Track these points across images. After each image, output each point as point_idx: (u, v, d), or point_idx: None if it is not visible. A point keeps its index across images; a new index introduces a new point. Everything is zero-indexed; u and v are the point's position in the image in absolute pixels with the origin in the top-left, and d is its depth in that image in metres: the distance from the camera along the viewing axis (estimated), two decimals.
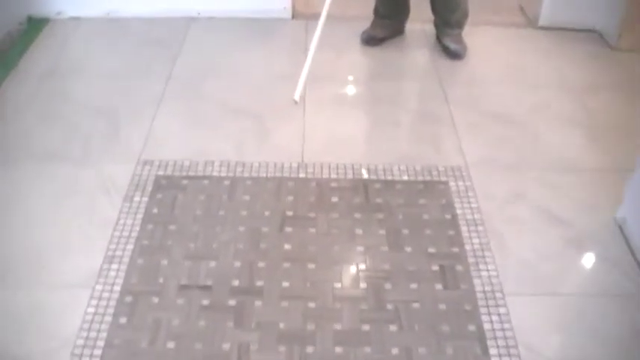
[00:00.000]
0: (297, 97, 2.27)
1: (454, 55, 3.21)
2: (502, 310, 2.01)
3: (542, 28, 3.49)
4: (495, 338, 1.93)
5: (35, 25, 3.39)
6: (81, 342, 1.88)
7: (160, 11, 3.47)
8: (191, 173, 2.47)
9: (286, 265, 2.12)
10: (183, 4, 3.47)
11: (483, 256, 2.18)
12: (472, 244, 2.22)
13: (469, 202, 2.38)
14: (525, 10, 3.65)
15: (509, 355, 1.89)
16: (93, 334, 1.90)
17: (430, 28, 3.38)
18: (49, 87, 2.96)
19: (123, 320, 1.94)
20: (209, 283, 2.05)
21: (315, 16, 3.48)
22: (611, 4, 3.33)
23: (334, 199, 2.37)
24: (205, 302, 1.99)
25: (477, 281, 2.09)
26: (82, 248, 2.18)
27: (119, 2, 3.44)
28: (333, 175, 2.47)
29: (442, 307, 2.01)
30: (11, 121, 2.74)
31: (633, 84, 3.08)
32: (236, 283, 2.05)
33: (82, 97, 2.89)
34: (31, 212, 2.32)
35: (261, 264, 2.12)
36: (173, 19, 3.47)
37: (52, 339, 1.90)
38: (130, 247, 2.17)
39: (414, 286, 2.06)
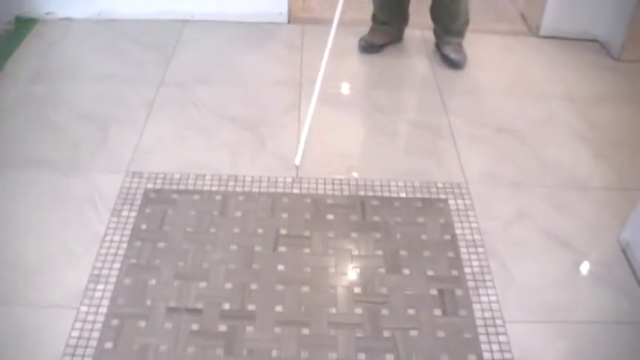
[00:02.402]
0: (297, 161, 2.25)
1: (454, 64, 3.12)
2: (502, 339, 1.93)
3: (544, 37, 3.41)
4: None
5: (23, 25, 3.28)
6: None
7: (153, 13, 3.37)
8: (181, 187, 2.38)
9: (280, 287, 2.03)
10: (177, 5, 3.36)
11: (483, 280, 2.10)
12: (472, 266, 2.15)
13: (469, 222, 2.30)
14: (527, 19, 3.57)
15: None
16: None
17: (430, 35, 3.29)
18: (36, 90, 2.86)
19: (108, 345, 1.85)
20: (199, 306, 1.96)
21: (312, 21, 3.42)
22: (613, 15, 3.25)
23: (330, 217, 2.29)
24: (195, 327, 1.90)
25: (476, 307, 2.02)
26: (67, 265, 2.09)
27: (111, 3, 3.34)
28: (329, 191, 2.39)
29: (441, 334, 1.93)
30: None
31: (639, 97, 3.01)
32: (227, 306, 1.97)
33: (71, 102, 2.80)
34: (14, 222, 2.23)
35: (253, 286, 2.03)
36: (166, 21, 3.37)
37: None
38: (117, 265, 2.09)
39: (411, 312, 1.98)
